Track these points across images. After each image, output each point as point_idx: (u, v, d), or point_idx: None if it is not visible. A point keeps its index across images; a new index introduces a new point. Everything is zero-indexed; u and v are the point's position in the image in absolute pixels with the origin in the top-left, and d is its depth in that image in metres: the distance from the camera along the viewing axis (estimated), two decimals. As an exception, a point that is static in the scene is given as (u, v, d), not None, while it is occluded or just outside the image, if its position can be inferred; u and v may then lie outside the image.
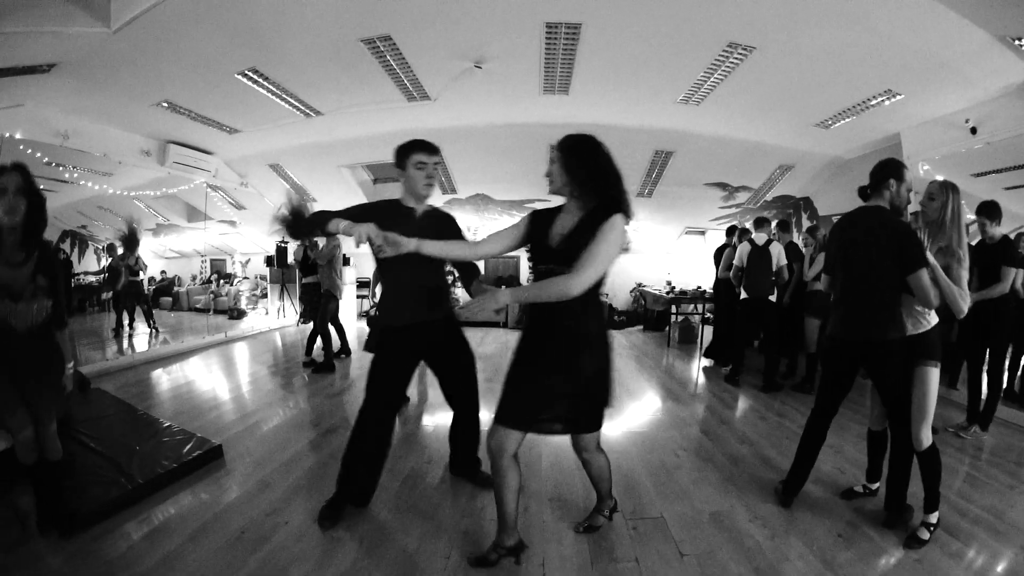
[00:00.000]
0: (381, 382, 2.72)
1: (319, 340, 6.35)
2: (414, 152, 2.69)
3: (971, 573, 2.38)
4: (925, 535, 2.57)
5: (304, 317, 7.36)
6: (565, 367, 2.15)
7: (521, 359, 2.30)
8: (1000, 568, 2.45)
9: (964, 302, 2.60)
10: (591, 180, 2.13)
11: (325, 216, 2.54)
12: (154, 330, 8.44)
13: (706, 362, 6.68)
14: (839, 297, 2.85)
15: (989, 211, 4.07)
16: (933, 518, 2.61)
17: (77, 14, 3.89)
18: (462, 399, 3.09)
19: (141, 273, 8.28)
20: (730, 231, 6.89)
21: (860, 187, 2.86)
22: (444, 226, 2.81)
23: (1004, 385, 4.62)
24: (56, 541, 2.55)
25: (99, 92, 5.45)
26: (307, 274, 6.87)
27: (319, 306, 6.28)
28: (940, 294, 2.58)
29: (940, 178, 5.01)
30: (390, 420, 2.86)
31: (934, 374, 2.62)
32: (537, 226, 2.28)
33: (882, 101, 5.43)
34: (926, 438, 2.60)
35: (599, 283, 2.13)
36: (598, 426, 2.36)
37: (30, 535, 2.60)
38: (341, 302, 6.56)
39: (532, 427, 2.23)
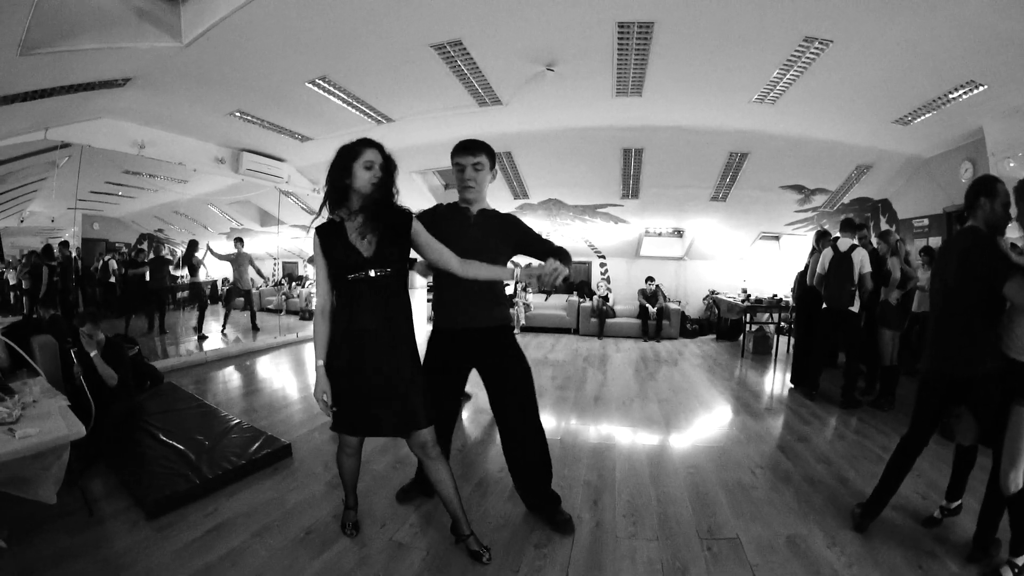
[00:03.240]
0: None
1: None
2: (454, 155, 2.75)
3: None
4: (1009, 575, 2.36)
5: None
6: None
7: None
8: None
9: None
10: None
11: None
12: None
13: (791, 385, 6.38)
14: (933, 330, 2.71)
15: None
16: (1021, 560, 2.38)
17: (149, 30, 4.04)
18: (512, 418, 2.72)
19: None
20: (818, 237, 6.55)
21: (958, 213, 2.73)
22: (501, 225, 2.72)
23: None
24: (121, 528, 2.63)
25: (173, 103, 5.66)
26: None
27: None
28: None
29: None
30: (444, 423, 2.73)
31: None
32: (331, 243, 2.38)
33: (963, 93, 5.09)
34: (1015, 483, 2.36)
35: None
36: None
37: (97, 520, 2.69)
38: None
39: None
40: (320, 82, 5.26)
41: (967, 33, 4.02)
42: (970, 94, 5.06)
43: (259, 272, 9.02)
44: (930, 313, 2.82)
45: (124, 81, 4.92)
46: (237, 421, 4.02)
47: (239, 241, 8.58)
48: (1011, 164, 5.49)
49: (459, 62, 4.81)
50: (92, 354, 3.64)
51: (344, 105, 5.81)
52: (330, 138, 6.97)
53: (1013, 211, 2.55)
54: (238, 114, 6.12)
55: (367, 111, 6.05)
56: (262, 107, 6.02)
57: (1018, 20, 3.75)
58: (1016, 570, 2.36)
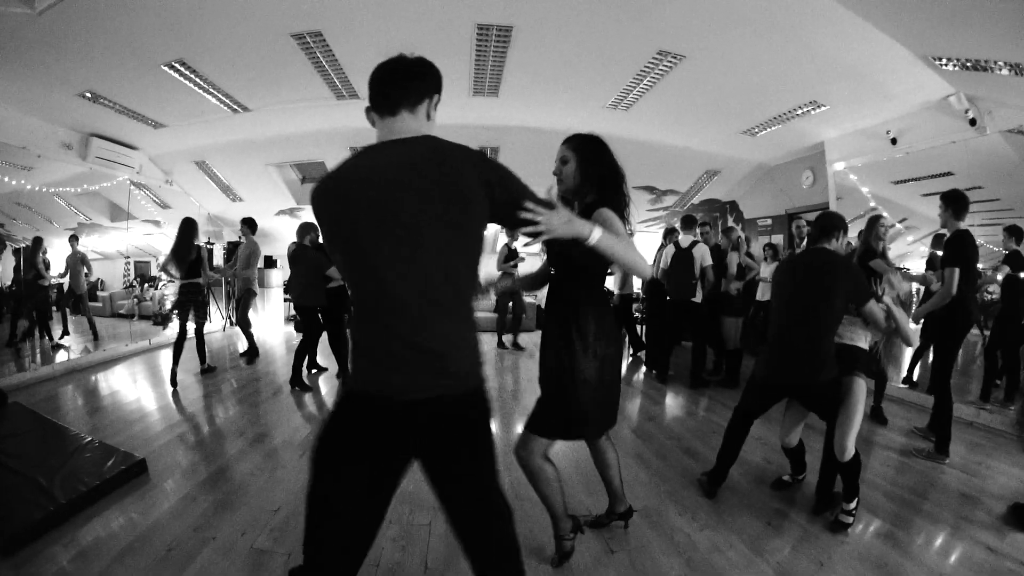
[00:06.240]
0: (313, 492, 1.44)
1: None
2: None
3: (898, 550, 2.57)
4: (848, 520, 2.76)
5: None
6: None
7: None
8: (920, 541, 2.67)
9: (912, 339, 2.92)
10: (606, 181, 2.18)
11: None
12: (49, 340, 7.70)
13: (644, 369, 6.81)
14: (775, 338, 2.98)
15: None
16: (852, 505, 2.78)
17: None
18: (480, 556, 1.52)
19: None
20: (666, 233, 7.03)
21: (810, 232, 3.09)
22: None
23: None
24: None
25: (19, 78, 5.12)
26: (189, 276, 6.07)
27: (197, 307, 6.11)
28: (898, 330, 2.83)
29: (865, 190, 5.20)
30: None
31: (861, 386, 2.82)
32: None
33: (807, 111, 5.70)
34: (851, 449, 2.75)
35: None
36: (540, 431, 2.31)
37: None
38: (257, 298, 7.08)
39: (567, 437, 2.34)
40: (177, 65, 4.97)
41: (811, 59, 4.51)
42: (814, 112, 5.68)
43: (88, 273, 8.14)
44: (773, 324, 3.06)
45: (-37, 49, 4.40)
46: (89, 439, 3.73)
47: (74, 239, 7.78)
48: (852, 177, 6.25)
49: (318, 53, 4.74)
50: None
51: (200, 92, 5.53)
52: (185, 125, 6.61)
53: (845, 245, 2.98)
54: (89, 95, 5.61)
55: (224, 99, 5.80)
56: (115, 88, 5.56)
57: (858, 52, 4.27)
58: (853, 513, 2.77)
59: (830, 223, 2.94)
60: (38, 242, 7.49)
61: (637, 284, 7.97)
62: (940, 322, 3.87)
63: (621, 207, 2.15)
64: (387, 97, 1.46)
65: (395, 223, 1.31)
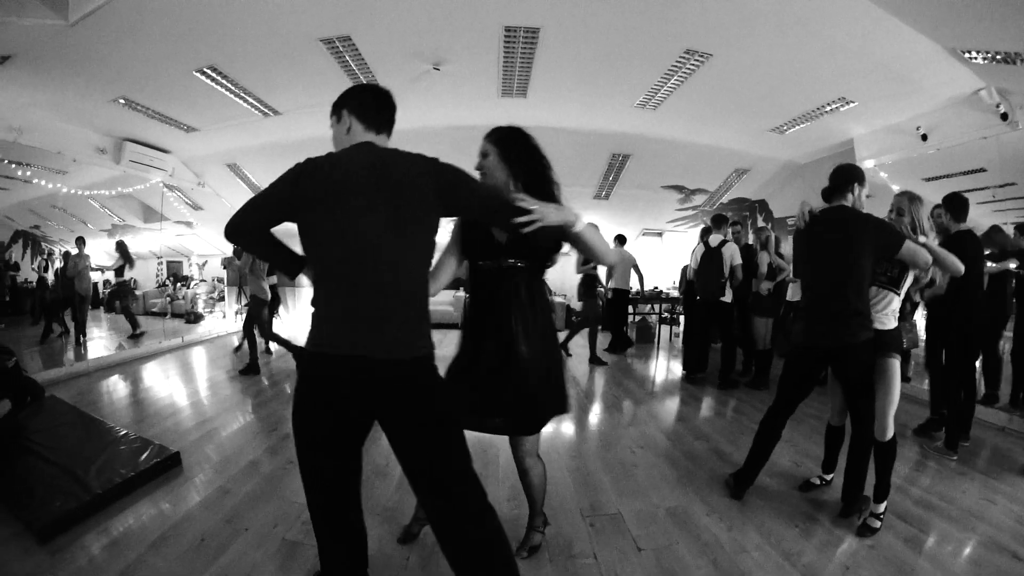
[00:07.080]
0: (300, 454, 1.71)
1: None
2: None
3: (924, 557, 2.50)
4: (876, 524, 2.69)
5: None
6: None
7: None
8: (949, 549, 2.60)
9: (958, 263, 2.75)
10: (530, 170, 2.18)
11: None
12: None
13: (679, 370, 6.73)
14: (808, 303, 2.92)
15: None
16: (881, 507, 2.73)
17: (34, 5, 3.79)
18: (431, 494, 1.71)
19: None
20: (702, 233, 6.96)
21: (824, 189, 2.92)
22: None
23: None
24: (14, 556, 2.49)
25: (55, 86, 5.29)
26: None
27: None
28: (938, 261, 2.74)
29: (896, 188, 5.16)
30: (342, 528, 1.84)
31: (896, 366, 2.75)
32: (471, 225, 2.23)
33: (836, 108, 5.62)
34: (890, 428, 2.71)
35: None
36: (536, 429, 2.27)
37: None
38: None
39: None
40: (208, 71, 5.11)
41: (838, 55, 4.44)
42: (842, 109, 5.59)
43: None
44: (804, 292, 3.03)
45: (2, 59, 4.58)
46: (124, 432, 3.82)
47: (80, 241, 7.84)
48: (882, 175, 6.13)
49: (347, 57, 4.81)
50: None
51: (231, 96, 5.66)
52: (216, 129, 6.77)
53: (865, 199, 2.84)
54: (122, 101, 5.78)
55: (255, 103, 5.93)
56: (148, 94, 5.73)
57: (885, 46, 4.20)
58: (881, 517, 2.71)
59: (843, 176, 2.81)
60: (122, 245, 7.97)
61: (634, 280, 7.97)
62: (941, 321, 3.91)
63: (551, 194, 2.16)
64: (387, 121, 1.78)
65: (366, 208, 1.54)
